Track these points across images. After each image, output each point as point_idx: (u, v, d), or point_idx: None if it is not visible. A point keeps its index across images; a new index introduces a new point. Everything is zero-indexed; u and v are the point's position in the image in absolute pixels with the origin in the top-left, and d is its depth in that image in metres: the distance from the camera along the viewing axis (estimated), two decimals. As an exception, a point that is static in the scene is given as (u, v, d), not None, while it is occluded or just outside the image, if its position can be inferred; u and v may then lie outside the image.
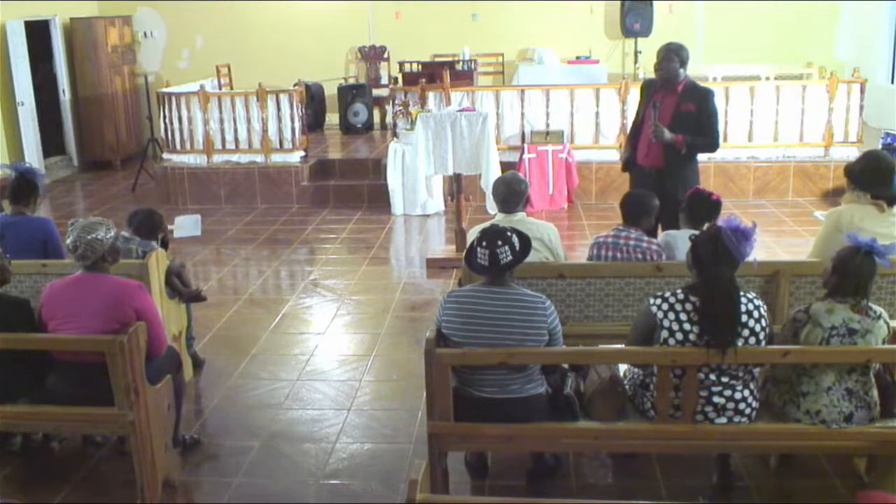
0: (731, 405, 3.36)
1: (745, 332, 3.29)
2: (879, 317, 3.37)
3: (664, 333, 3.33)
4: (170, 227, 5.25)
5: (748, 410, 3.39)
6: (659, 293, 3.42)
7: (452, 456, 3.78)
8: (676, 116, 5.31)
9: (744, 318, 3.28)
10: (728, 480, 3.73)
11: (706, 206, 4.41)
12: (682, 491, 3.72)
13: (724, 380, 3.35)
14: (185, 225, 5.23)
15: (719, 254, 3.26)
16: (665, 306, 3.35)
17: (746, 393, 3.39)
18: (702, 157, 8.85)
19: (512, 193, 4.52)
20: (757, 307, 3.33)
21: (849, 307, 3.36)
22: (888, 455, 3.42)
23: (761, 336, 3.32)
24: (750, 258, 3.31)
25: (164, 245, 4.88)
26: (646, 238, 4.39)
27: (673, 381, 3.35)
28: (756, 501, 3.68)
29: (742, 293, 3.32)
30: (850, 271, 3.35)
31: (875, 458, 3.60)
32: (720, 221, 3.41)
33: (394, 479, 3.88)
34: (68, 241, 3.56)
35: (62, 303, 3.62)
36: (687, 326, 3.30)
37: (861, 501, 3.34)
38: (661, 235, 4.57)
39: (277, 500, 3.78)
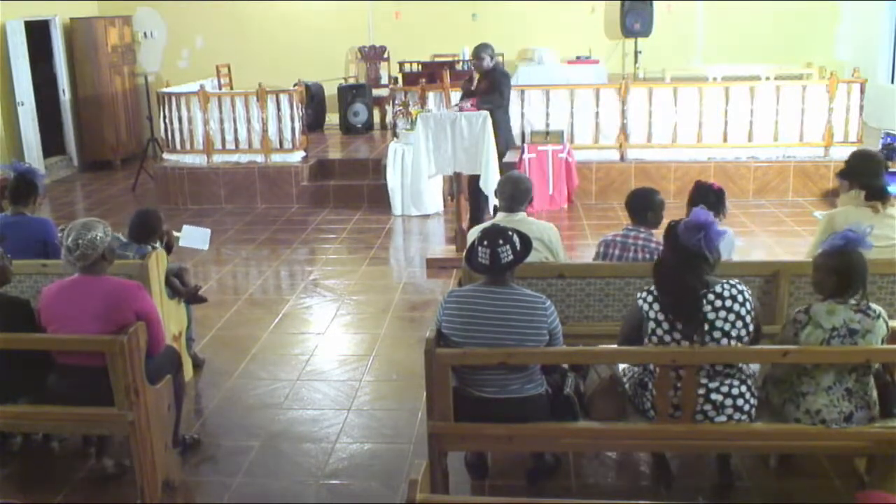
0: (729, 402, 3.37)
1: (731, 317, 3.31)
2: (879, 316, 3.37)
3: (651, 325, 3.38)
4: (176, 233, 5.22)
5: (747, 407, 3.39)
6: (646, 287, 3.46)
7: (452, 456, 3.77)
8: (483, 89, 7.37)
9: (728, 302, 3.31)
10: (728, 480, 3.73)
11: (711, 196, 4.39)
12: (682, 491, 3.72)
13: (718, 368, 3.37)
14: (192, 236, 5.17)
15: (674, 243, 3.33)
16: (650, 298, 3.40)
17: (744, 389, 3.39)
18: (702, 156, 9.05)
19: (520, 191, 4.55)
20: (741, 291, 3.35)
21: (850, 308, 3.36)
22: (888, 455, 3.41)
23: (748, 320, 3.34)
24: (727, 256, 3.36)
25: (168, 249, 4.85)
26: (654, 238, 4.38)
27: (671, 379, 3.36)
28: (756, 501, 3.68)
29: (725, 280, 3.36)
30: (850, 269, 3.36)
31: (875, 458, 3.60)
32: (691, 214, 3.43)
33: (394, 479, 3.88)
34: (68, 241, 3.53)
35: (62, 305, 3.59)
36: (672, 316, 3.34)
37: (861, 501, 3.34)
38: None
39: (277, 500, 3.78)
